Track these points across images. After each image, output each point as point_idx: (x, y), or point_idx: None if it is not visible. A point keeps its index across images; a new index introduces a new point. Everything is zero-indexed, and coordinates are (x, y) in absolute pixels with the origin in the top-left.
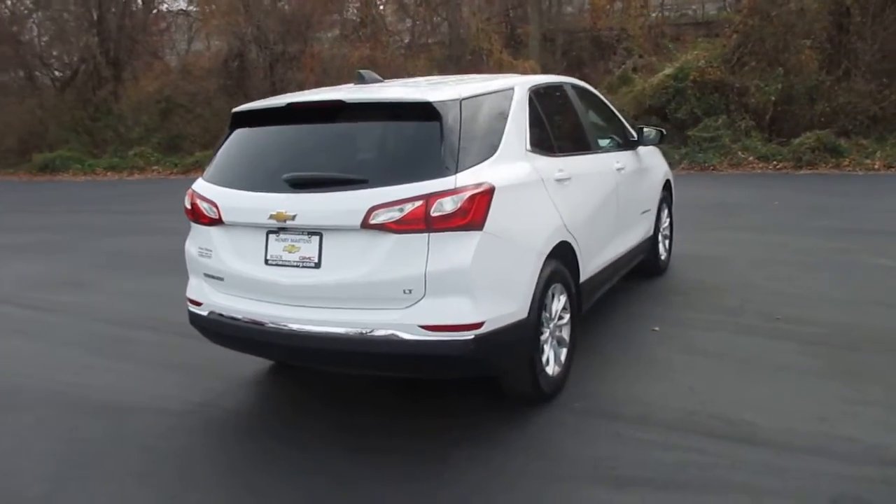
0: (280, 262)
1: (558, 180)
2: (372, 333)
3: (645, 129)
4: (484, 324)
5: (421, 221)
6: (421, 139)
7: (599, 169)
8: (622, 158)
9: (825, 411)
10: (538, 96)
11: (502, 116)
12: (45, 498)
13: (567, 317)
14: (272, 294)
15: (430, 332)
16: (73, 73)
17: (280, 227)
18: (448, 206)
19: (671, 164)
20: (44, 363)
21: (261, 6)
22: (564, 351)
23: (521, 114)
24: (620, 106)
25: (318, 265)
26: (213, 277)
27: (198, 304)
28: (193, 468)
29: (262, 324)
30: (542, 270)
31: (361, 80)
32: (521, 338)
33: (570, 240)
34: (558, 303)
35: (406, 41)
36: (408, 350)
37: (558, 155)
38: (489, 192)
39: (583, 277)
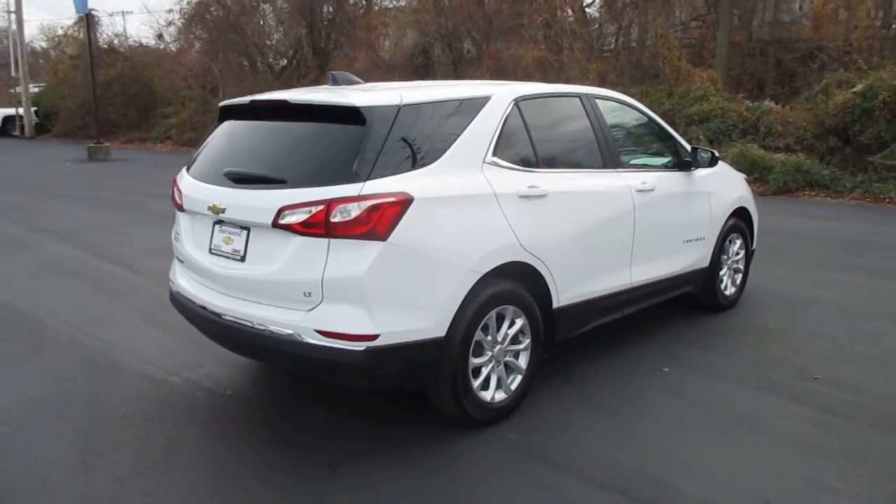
0: (219, 252)
1: (524, 196)
2: (278, 331)
3: (699, 150)
4: (379, 336)
5: (322, 226)
6: (343, 143)
7: (602, 188)
8: (655, 179)
9: (775, 494)
10: (527, 107)
11: (459, 125)
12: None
13: (526, 342)
14: (211, 281)
15: (325, 338)
16: (288, 61)
17: (220, 220)
18: (348, 212)
19: (841, 192)
20: (89, 316)
21: (450, 5)
22: (517, 378)
23: (488, 124)
24: (801, 124)
25: (243, 259)
26: (179, 260)
27: (172, 282)
28: (133, 434)
29: (203, 308)
30: (474, 289)
31: (334, 81)
32: (435, 357)
33: (531, 261)
34: (510, 326)
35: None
36: (305, 352)
37: (536, 170)
38: (401, 203)
39: (559, 303)
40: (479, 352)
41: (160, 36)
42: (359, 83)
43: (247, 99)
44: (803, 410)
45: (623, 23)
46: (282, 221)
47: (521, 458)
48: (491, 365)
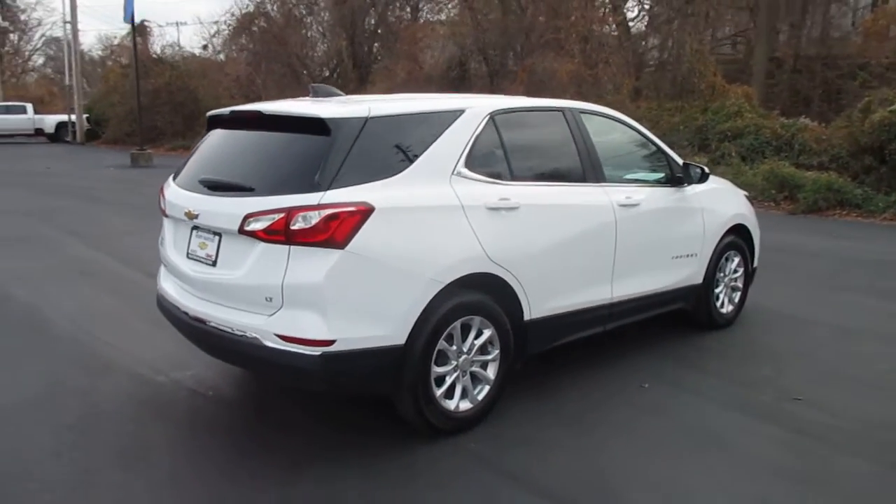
0: (195, 257)
1: (493, 208)
2: (243, 334)
3: (691, 166)
4: (335, 342)
5: (282, 233)
6: (308, 154)
7: (581, 202)
8: (641, 194)
9: None
10: (503, 121)
11: (428, 137)
12: None
13: (494, 353)
14: (188, 284)
15: (284, 343)
16: (330, 72)
17: (196, 225)
18: (308, 220)
19: (873, 212)
20: (94, 316)
21: (487, 19)
22: (484, 388)
23: (460, 136)
24: (836, 142)
25: (214, 263)
26: (163, 263)
27: (158, 286)
28: (110, 430)
29: (181, 311)
30: (436, 299)
31: (315, 93)
32: (394, 364)
33: (499, 272)
34: (476, 337)
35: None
36: (267, 356)
37: (509, 182)
38: (361, 213)
39: (532, 315)
40: (442, 361)
41: (205, 46)
42: (338, 95)
43: (228, 109)
44: (777, 432)
45: (662, 37)
46: (247, 228)
47: (478, 468)
48: (455, 374)
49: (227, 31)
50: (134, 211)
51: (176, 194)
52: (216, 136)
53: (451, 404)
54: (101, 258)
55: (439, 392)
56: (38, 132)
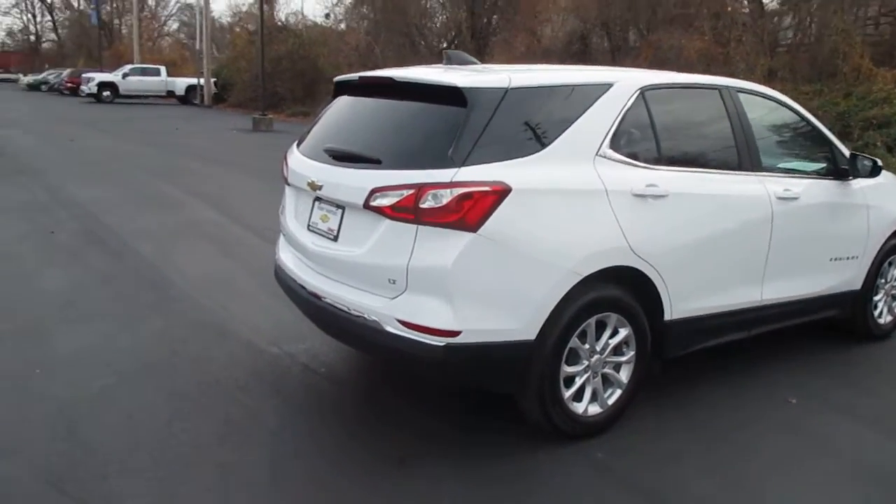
0: (316, 230)
1: (639, 195)
2: (362, 316)
3: (859, 158)
4: (461, 333)
5: (411, 211)
6: (441, 125)
7: (736, 192)
8: (801, 186)
9: None
10: (654, 97)
11: (572, 113)
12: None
13: (630, 355)
14: (307, 258)
15: (405, 329)
16: (448, 43)
17: (319, 196)
18: (438, 199)
19: None
20: (212, 278)
21: None
22: (616, 392)
23: (607, 113)
24: None
25: (336, 238)
26: (282, 233)
27: (277, 256)
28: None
29: (299, 285)
30: (572, 292)
31: (448, 60)
32: (521, 360)
33: (641, 266)
34: (611, 336)
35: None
36: (385, 342)
37: (658, 167)
38: (497, 193)
39: (672, 315)
40: (573, 360)
41: (328, 15)
42: (473, 63)
43: (356, 75)
44: None
45: (802, 16)
46: (373, 203)
47: (603, 482)
48: (586, 375)
49: (349, 0)
50: (254, 174)
51: (299, 163)
52: (343, 102)
53: (579, 407)
54: (219, 219)
55: (568, 393)
56: (170, 94)
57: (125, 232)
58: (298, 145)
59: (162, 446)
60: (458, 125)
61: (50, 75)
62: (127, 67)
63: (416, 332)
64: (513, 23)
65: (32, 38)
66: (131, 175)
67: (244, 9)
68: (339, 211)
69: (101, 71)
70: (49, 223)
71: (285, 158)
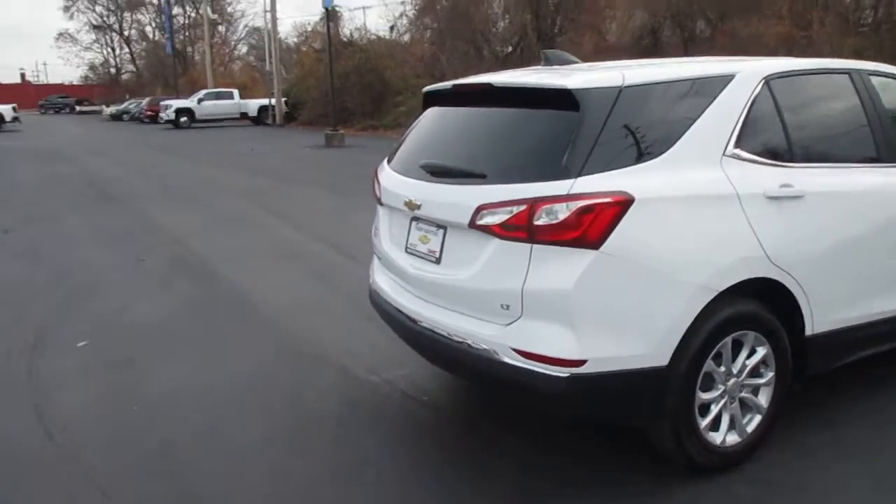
0: (414, 252)
1: (774, 197)
2: (471, 345)
3: None
4: (586, 363)
5: (523, 229)
6: (552, 133)
7: (878, 188)
8: None
9: None
10: (780, 86)
11: (693, 110)
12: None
13: (769, 376)
14: (405, 282)
15: (522, 359)
16: (513, 48)
17: (417, 216)
18: (555, 214)
19: None
20: (300, 301)
21: None
22: (755, 419)
23: (731, 107)
24: None
25: (438, 261)
26: (376, 255)
27: (371, 279)
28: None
29: (398, 310)
30: (706, 310)
31: (547, 60)
32: (652, 389)
33: (779, 277)
34: (749, 356)
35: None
36: (500, 372)
37: (791, 164)
38: (619, 204)
39: (815, 330)
40: (708, 385)
41: (392, 27)
42: (575, 62)
43: (449, 84)
44: None
45: None
46: (479, 222)
47: None
48: (723, 402)
49: (412, 12)
50: (333, 191)
51: (393, 181)
52: (434, 114)
53: (716, 437)
54: (302, 239)
55: (704, 423)
56: (243, 116)
57: (212, 257)
58: (389, 161)
59: (264, 489)
60: (570, 131)
61: (130, 105)
62: (202, 93)
63: (534, 363)
64: (577, 22)
65: (113, 70)
66: (213, 198)
67: (310, 28)
68: (441, 231)
69: (178, 97)
70: (138, 250)
71: (376, 176)
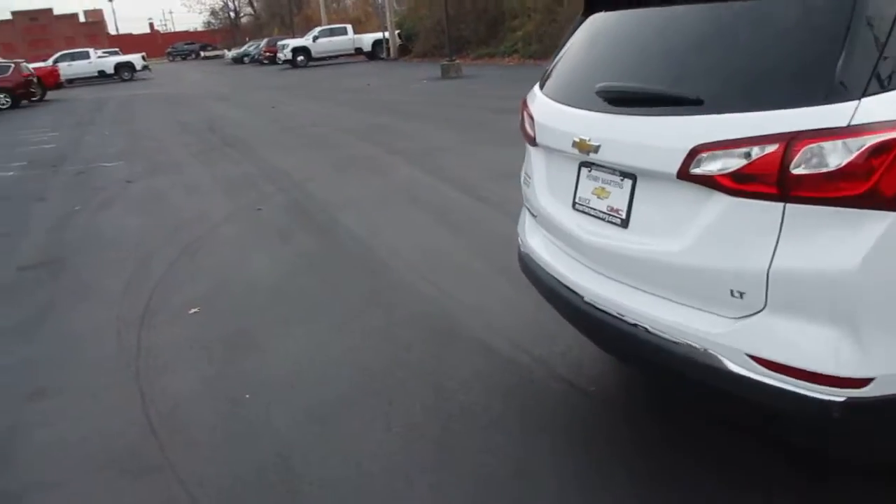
0: (586, 209)
1: None
2: (676, 343)
3: None
4: (872, 382)
5: (773, 180)
6: (805, 29)
7: None
8: None
9: None
10: None
11: None
12: None
13: None
14: (572, 248)
15: (763, 370)
16: None
17: (590, 161)
18: (826, 158)
19: None
20: (430, 256)
21: None
22: None
23: None
24: None
25: (624, 223)
26: (529, 211)
27: (520, 240)
28: (472, 440)
29: (560, 282)
30: None
31: None
32: None
33: None
34: None
35: None
36: (724, 384)
37: None
38: None
39: None
40: None
41: None
42: None
43: None
44: None
45: None
46: (695, 170)
47: None
48: None
49: None
50: (455, 127)
51: (554, 114)
52: (604, 22)
53: None
54: (425, 179)
55: None
56: (358, 51)
57: (331, 204)
58: (542, 87)
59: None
60: (842, 22)
61: (250, 47)
62: (316, 30)
63: (784, 377)
64: None
65: (232, 14)
66: (332, 138)
67: None
68: (628, 182)
69: (294, 37)
70: (256, 198)
71: (525, 108)
